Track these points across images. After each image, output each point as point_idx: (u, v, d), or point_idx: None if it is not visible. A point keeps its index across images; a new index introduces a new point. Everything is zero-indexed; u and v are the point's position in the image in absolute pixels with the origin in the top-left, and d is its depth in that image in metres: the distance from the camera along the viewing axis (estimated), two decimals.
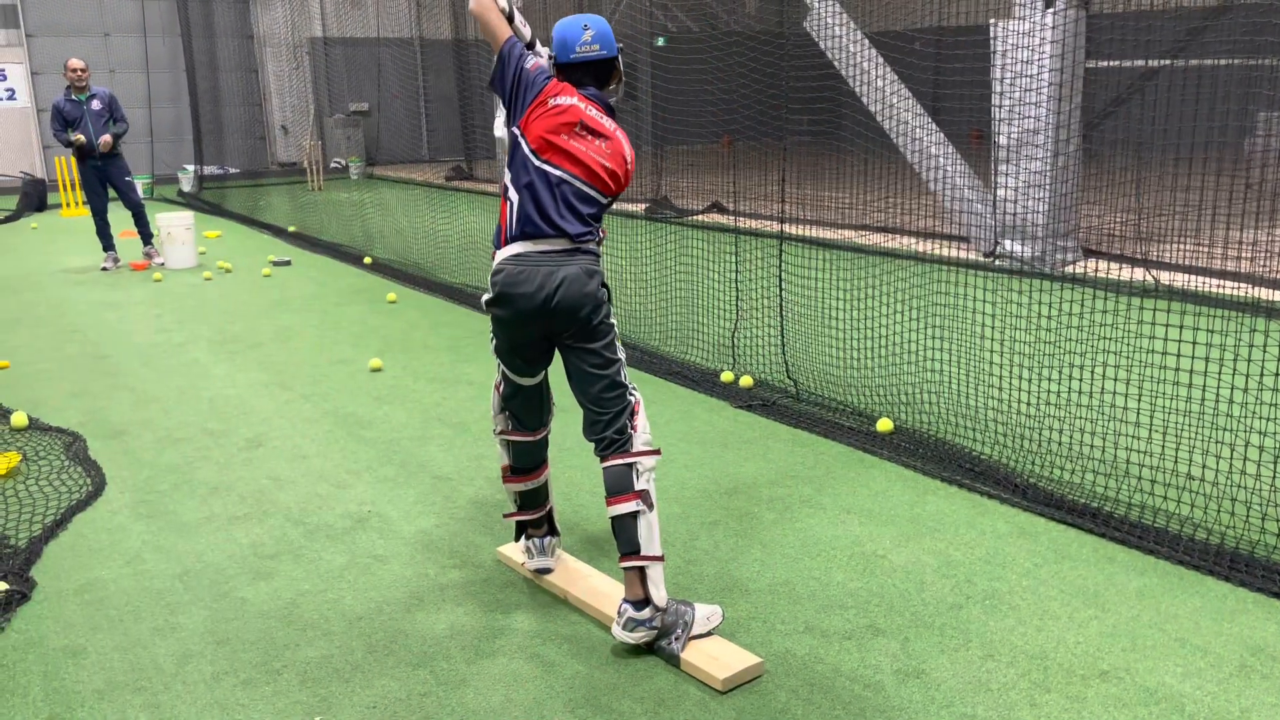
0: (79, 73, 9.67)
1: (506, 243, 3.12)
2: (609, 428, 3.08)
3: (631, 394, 3.15)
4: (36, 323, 7.82)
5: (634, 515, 3.01)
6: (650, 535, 3.03)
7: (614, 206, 3.37)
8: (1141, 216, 8.47)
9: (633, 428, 3.08)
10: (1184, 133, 8.46)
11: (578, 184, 3.08)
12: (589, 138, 3.09)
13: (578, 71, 3.17)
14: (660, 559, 3.04)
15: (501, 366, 3.31)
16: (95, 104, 9.75)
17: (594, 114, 3.12)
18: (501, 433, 3.44)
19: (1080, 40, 8.18)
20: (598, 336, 3.10)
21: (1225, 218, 8.50)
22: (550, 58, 3.21)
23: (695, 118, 12.81)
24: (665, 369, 6.05)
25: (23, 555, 3.77)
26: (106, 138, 9.75)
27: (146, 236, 10.46)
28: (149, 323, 7.78)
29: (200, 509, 4.22)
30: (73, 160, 10.19)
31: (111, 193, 10.10)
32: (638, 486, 3.03)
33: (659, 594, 3.02)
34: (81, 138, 9.62)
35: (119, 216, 10.69)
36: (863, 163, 10.82)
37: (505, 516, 3.61)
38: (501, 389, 3.38)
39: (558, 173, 3.07)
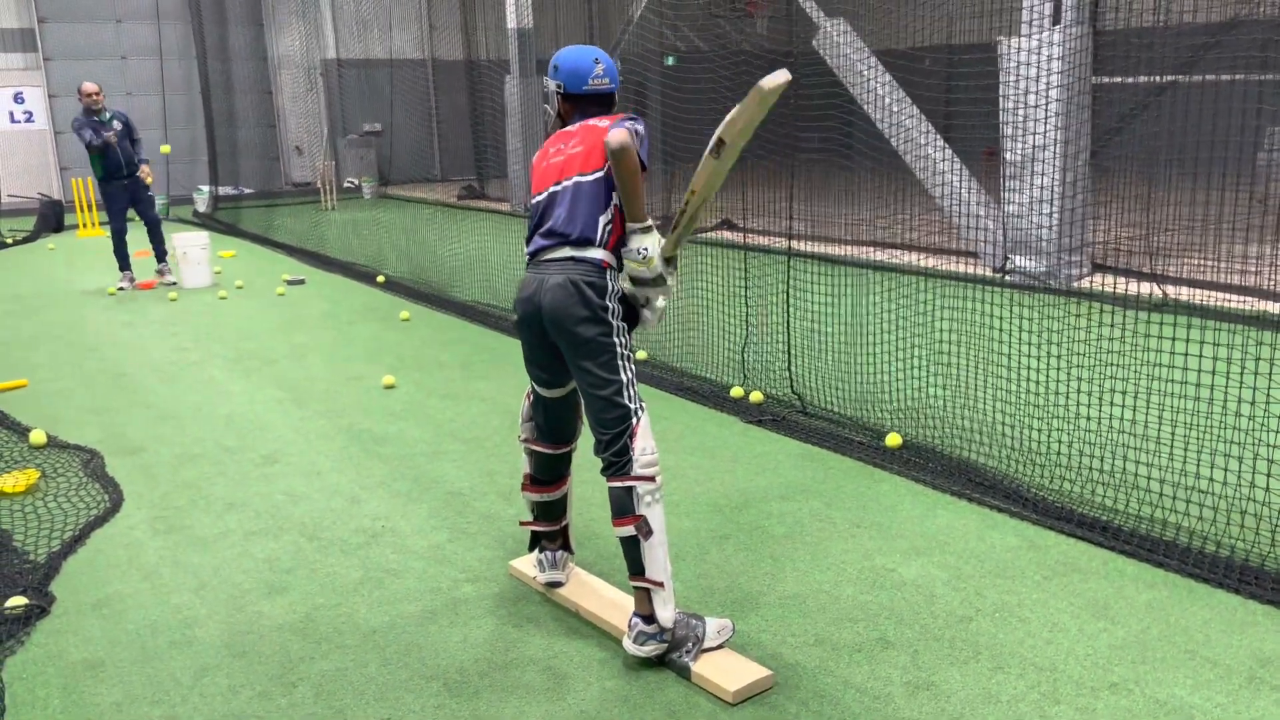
0: (94, 96, 9.82)
1: None
2: (608, 449, 3.08)
3: (635, 415, 3.07)
4: (55, 341, 7.92)
5: (634, 539, 3.04)
6: (652, 560, 3.03)
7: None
8: (1151, 231, 8.48)
9: (632, 450, 3.03)
10: (1193, 148, 8.48)
11: (564, 184, 3.16)
12: (562, 148, 3.23)
13: (586, 102, 3.31)
14: (661, 585, 3.03)
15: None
16: (117, 124, 9.90)
17: (569, 129, 3.29)
18: (525, 440, 3.49)
19: (1088, 57, 8.22)
20: (592, 354, 3.06)
21: (1234, 232, 8.50)
22: (558, 87, 3.30)
23: (705, 136, 12.79)
24: (676, 385, 6.09)
25: (42, 570, 3.82)
26: (146, 169, 10.08)
27: (161, 254, 10.59)
28: (166, 341, 7.86)
29: (216, 524, 4.27)
30: (91, 181, 10.31)
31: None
32: (637, 511, 3.02)
33: (664, 614, 3.03)
34: (113, 135, 9.76)
35: (133, 237, 10.81)
36: (872, 179, 10.85)
37: (521, 524, 3.66)
38: (531, 397, 3.44)
39: (542, 196, 3.22)
